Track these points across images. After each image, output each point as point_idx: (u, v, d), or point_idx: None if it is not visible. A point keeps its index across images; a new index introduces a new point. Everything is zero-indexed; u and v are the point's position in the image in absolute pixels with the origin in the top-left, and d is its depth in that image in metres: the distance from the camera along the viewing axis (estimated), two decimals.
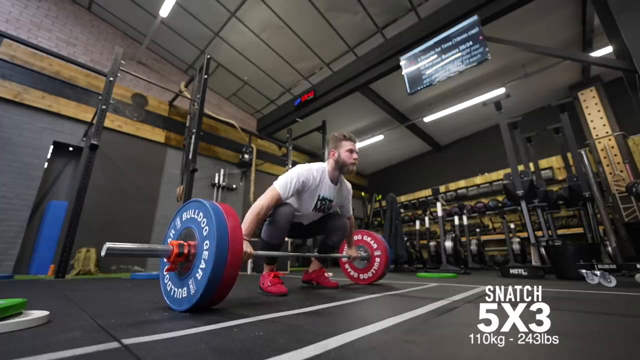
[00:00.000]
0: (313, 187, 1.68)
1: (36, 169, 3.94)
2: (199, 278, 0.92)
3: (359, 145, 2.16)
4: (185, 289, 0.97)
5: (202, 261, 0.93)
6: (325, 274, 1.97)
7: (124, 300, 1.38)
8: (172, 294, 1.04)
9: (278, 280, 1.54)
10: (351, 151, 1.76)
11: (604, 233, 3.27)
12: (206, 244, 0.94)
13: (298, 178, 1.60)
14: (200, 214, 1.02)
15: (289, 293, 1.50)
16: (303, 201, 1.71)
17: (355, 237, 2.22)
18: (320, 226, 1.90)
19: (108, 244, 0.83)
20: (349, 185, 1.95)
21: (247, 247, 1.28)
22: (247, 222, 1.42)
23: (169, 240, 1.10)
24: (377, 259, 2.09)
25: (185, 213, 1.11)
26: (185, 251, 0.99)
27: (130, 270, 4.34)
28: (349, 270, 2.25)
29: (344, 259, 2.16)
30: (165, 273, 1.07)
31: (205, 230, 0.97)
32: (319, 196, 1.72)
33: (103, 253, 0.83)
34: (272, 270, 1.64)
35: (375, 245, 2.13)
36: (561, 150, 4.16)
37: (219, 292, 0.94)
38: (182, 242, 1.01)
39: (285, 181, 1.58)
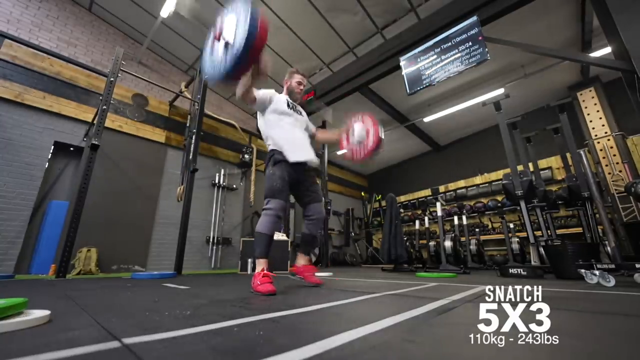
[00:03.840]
0: (278, 96, 2.02)
1: (37, 169, 3.94)
2: (237, 37, 1.31)
3: None
4: (228, 54, 1.33)
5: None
6: (315, 273, 1.99)
7: (124, 300, 1.38)
8: (214, 68, 1.40)
9: (267, 279, 1.55)
10: (299, 83, 2.12)
11: (602, 233, 3.27)
12: (245, 24, 1.31)
13: (266, 91, 1.92)
14: (239, 6, 1.40)
15: (289, 293, 1.51)
16: (278, 103, 1.97)
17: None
18: (304, 196, 1.98)
19: None
20: None
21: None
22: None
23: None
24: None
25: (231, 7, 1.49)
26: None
27: (131, 270, 4.34)
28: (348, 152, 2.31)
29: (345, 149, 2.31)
30: (209, 48, 1.46)
31: (247, 17, 1.32)
32: (286, 100, 2.03)
33: None
34: (265, 265, 1.65)
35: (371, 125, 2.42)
36: (560, 151, 4.16)
37: (253, 51, 1.30)
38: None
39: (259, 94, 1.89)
